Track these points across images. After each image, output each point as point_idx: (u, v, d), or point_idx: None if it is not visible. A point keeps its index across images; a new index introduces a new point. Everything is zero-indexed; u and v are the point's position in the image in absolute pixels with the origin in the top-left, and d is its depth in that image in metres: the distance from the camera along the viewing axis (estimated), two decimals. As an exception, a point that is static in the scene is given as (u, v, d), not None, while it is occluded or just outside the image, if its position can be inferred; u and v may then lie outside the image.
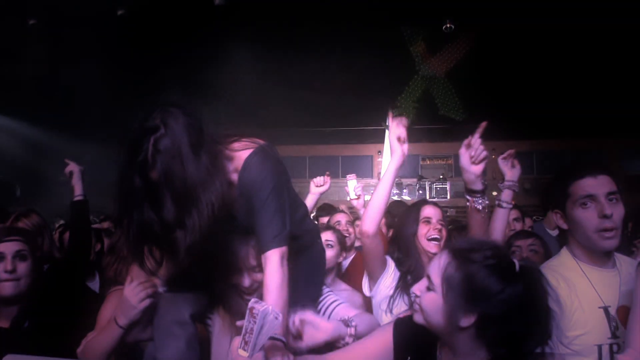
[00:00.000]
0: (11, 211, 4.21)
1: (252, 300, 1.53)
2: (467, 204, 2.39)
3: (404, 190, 17.67)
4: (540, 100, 10.89)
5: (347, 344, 1.90)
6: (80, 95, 9.51)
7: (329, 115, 12.65)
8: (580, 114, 11.61)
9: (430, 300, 1.58)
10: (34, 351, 1.97)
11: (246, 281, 2.06)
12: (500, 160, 2.64)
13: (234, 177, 1.96)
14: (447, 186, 16.41)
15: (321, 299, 2.35)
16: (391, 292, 2.63)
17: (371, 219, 2.37)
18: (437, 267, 1.58)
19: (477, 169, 2.33)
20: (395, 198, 12.41)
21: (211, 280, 2.11)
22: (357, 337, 1.97)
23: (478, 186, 2.36)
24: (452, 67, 11.46)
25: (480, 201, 2.37)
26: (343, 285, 3.27)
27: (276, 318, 1.54)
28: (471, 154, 2.30)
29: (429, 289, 1.60)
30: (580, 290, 2.02)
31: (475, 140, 2.31)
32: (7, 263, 2.29)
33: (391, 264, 2.66)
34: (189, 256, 1.82)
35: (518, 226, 4.13)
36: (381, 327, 1.86)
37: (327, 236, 3.34)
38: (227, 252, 2.05)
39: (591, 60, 9.37)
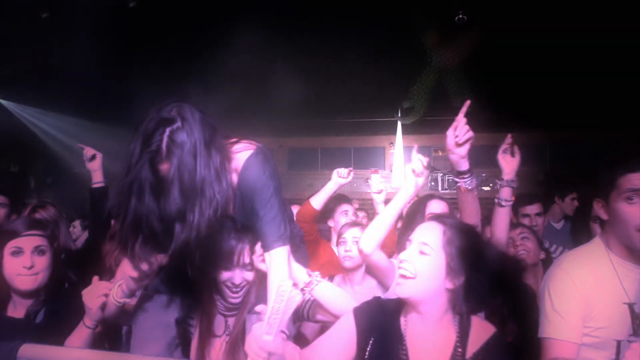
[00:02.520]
0: (27, 203, 4.25)
1: (279, 279, 1.53)
2: (457, 185, 2.39)
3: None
4: (554, 90, 10.80)
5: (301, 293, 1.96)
6: (93, 88, 9.57)
7: (340, 107, 12.62)
8: (595, 105, 11.51)
9: (426, 263, 1.73)
10: (48, 342, 2.00)
11: (237, 278, 2.07)
12: (500, 155, 2.63)
13: (233, 178, 1.97)
14: (459, 177, 16.32)
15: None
16: None
17: (370, 239, 2.28)
18: (435, 233, 1.75)
19: (462, 149, 2.33)
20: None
21: (199, 278, 2.09)
22: (315, 302, 2.02)
23: (464, 166, 2.37)
24: (465, 57, 11.39)
25: (469, 181, 2.38)
26: (373, 282, 3.23)
27: (298, 297, 1.56)
28: (455, 134, 2.30)
29: (422, 253, 1.74)
30: (606, 283, 1.97)
31: (460, 119, 2.31)
32: (26, 259, 2.29)
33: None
34: (179, 252, 1.83)
35: (539, 221, 4.05)
36: (342, 317, 1.90)
37: (354, 233, 3.27)
38: (221, 249, 2.06)
39: (607, 50, 9.28)
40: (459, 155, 2.35)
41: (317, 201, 3.83)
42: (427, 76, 12.04)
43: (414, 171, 2.26)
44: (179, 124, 1.76)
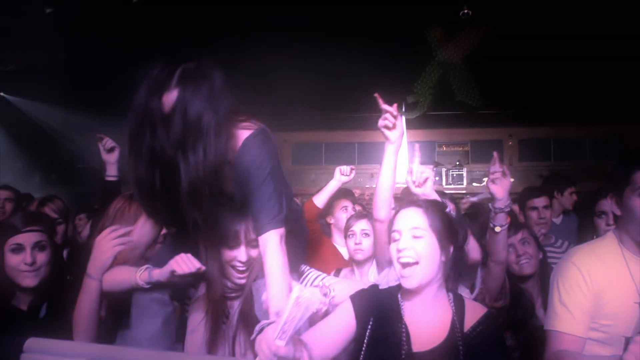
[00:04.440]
0: (33, 197, 4.26)
1: (298, 287, 1.54)
2: None
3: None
4: (558, 86, 10.73)
5: (326, 310, 1.96)
6: (97, 83, 9.57)
7: (344, 102, 12.56)
8: (599, 100, 11.44)
9: (424, 245, 1.81)
10: (51, 334, 2.02)
11: (243, 256, 2.06)
12: (489, 182, 2.60)
13: (231, 156, 1.97)
14: (464, 173, 16.27)
15: (304, 276, 2.35)
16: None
17: (381, 205, 2.39)
18: (418, 216, 1.86)
19: (425, 189, 2.35)
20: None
21: (204, 257, 2.09)
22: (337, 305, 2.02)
23: None
24: (469, 52, 11.33)
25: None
26: (383, 273, 3.21)
27: (314, 306, 1.55)
28: (412, 180, 2.33)
29: (416, 237, 1.82)
30: (617, 278, 1.96)
31: (414, 166, 2.33)
32: (27, 255, 2.30)
33: None
34: (188, 201, 1.84)
35: (547, 214, 4.03)
36: (341, 304, 1.94)
37: (362, 225, 3.28)
38: (225, 227, 2.05)
39: (611, 45, 9.23)
40: (425, 195, 2.35)
41: (320, 200, 3.83)
42: (431, 71, 11.99)
43: (386, 126, 2.30)
44: (194, 64, 1.79)
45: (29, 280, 2.31)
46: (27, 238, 2.32)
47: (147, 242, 2.25)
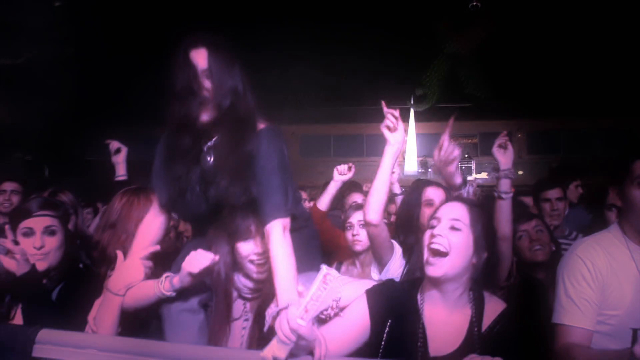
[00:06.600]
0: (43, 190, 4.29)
1: (325, 266, 1.53)
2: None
3: (430, 170, 17.55)
4: (567, 78, 10.69)
5: (331, 315, 1.94)
6: (106, 76, 9.61)
7: (352, 95, 12.58)
8: (609, 92, 11.38)
9: (459, 238, 1.75)
10: (62, 319, 2.03)
11: (259, 247, 2.05)
12: (495, 148, 2.60)
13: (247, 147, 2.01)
14: (473, 165, 16.26)
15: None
16: (400, 271, 2.63)
17: (374, 209, 2.34)
18: (462, 211, 1.80)
19: (451, 167, 2.34)
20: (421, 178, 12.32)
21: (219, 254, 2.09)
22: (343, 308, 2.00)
23: (457, 180, 2.37)
24: (478, 45, 11.30)
25: (465, 191, 2.38)
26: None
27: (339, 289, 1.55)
28: (441, 156, 2.32)
29: (454, 228, 1.76)
30: (622, 270, 1.95)
31: (444, 141, 2.32)
32: (36, 239, 2.31)
33: (398, 248, 2.66)
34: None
35: (560, 206, 4.00)
36: (356, 300, 1.89)
37: (359, 216, 3.24)
38: (240, 220, 2.06)
39: (621, 38, 9.16)
40: (450, 172, 2.35)
41: (323, 203, 3.83)
42: (439, 63, 11.98)
43: (388, 128, 2.29)
44: (221, 48, 1.99)
45: (38, 264, 2.33)
46: (38, 222, 2.33)
47: (154, 239, 2.24)
